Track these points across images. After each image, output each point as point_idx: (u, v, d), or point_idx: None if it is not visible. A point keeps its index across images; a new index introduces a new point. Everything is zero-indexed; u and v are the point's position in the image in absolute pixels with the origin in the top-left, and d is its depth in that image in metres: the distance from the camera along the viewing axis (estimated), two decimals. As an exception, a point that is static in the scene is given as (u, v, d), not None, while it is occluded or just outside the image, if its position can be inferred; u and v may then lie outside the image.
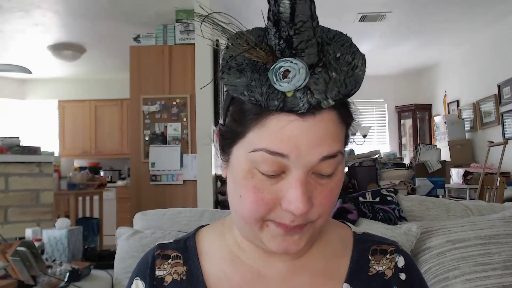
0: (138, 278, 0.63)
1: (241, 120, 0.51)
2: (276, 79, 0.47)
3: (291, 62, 0.47)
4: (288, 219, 0.51)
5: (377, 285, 0.59)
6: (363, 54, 0.52)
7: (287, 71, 0.47)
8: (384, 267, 0.61)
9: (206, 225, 0.68)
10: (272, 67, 0.48)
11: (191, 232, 0.67)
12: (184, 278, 0.61)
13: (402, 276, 0.61)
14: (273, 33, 0.48)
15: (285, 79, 0.47)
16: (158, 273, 0.62)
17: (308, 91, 0.48)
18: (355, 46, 0.53)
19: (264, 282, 0.58)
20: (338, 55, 0.51)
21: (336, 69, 0.49)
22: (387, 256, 0.62)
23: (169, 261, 0.62)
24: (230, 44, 0.51)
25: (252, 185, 0.51)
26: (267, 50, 0.49)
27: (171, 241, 0.66)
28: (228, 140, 0.54)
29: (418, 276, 0.63)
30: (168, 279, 0.61)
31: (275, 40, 0.49)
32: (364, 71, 0.50)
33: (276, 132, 0.48)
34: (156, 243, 0.66)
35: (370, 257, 0.61)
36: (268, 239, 0.53)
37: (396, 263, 0.61)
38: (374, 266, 0.61)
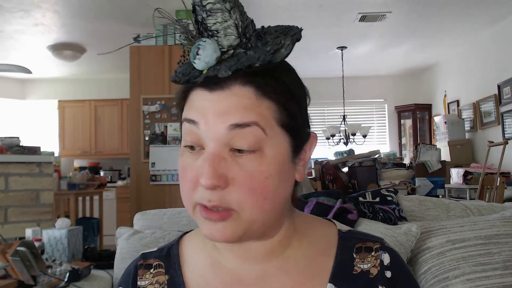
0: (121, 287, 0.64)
1: (179, 100, 0.57)
2: (193, 58, 0.51)
3: (202, 41, 0.51)
4: (204, 197, 0.51)
5: (362, 284, 0.57)
6: (298, 35, 0.53)
7: (199, 49, 0.50)
8: (369, 265, 0.59)
9: (192, 230, 0.68)
10: (192, 48, 0.52)
11: (176, 238, 0.67)
12: (165, 287, 0.60)
13: (388, 274, 0.58)
14: (193, 19, 0.52)
15: (197, 56, 0.50)
16: (140, 283, 0.61)
17: (217, 67, 0.50)
18: (298, 33, 0.53)
19: (243, 285, 0.57)
20: (269, 39, 0.52)
21: (259, 49, 0.51)
22: (372, 253, 0.59)
23: (151, 270, 0.62)
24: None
25: (182, 165, 0.54)
26: (195, 37, 0.53)
27: (155, 249, 0.65)
28: (180, 126, 0.58)
29: (405, 274, 0.61)
30: None
31: (195, 25, 0.52)
32: (290, 49, 0.51)
33: (192, 104, 0.53)
34: (140, 252, 0.66)
35: (354, 255, 0.59)
36: (200, 224, 0.54)
37: (381, 261, 0.59)
38: (358, 265, 0.59)
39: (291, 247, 0.59)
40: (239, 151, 0.50)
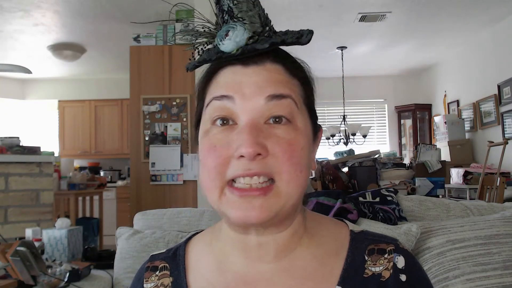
0: None
1: (200, 89, 0.58)
2: (220, 41, 0.53)
3: (231, 25, 0.54)
4: (243, 168, 0.50)
5: (373, 287, 0.55)
6: (312, 30, 0.57)
7: (228, 31, 0.53)
8: (381, 268, 0.56)
9: (202, 230, 0.67)
10: (218, 33, 0.54)
11: (184, 239, 0.67)
12: None
13: (403, 277, 0.56)
14: (217, 9, 0.56)
15: (226, 38, 0.53)
16: (146, 286, 0.62)
17: (248, 47, 0.53)
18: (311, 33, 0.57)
19: (248, 287, 0.56)
20: (286, 32, 0.57)
21: (283, 35, 0.55)
22: (385, 256, 0.57)
23: (157, 273, 0.62)
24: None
25: (208, 143, 0.53)
26: (216, 28, 0.56)
27: (164, 250, 0.66)
28: (196, 122, 0.59)
29: (421, 277, 0.58)
30: None
31: (219, 14, 0.56)
32: (310, 37, 0.55)
33: (223, 82, 0.54)
34: (150, 254, 0.66)
35: (366, 257, 0.57)
36: (228, 209, 0.52)
37: (395, 264, 0.56)
38: (370, 267, 0.56)
39: (300, 246, 0.58)
40: (276, 121, 0.52)
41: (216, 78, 0.55)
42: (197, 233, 0.67)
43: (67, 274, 1.49)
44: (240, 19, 0.54)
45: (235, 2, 0.54)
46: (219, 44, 0.53)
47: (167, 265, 0.62)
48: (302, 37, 0.55)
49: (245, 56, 0.54)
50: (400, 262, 0.57)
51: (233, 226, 0.56)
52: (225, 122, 0.53)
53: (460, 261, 1.16)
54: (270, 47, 0.53)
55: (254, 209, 0.50)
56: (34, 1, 4.02)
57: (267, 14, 0.57)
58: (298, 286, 0.55)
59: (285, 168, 0.51)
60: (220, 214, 0.56)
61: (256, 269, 0.57)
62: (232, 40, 0.52)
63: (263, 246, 0.56)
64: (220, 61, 0.55)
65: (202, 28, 0.58)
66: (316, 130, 0.60)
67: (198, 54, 0.58)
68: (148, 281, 0.62)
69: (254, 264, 0.57)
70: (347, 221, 0.63)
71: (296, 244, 0.57)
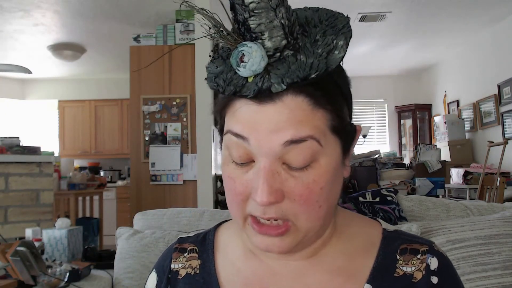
0: (154, 270, 0.65)
1: (218, 110, 0.53)
2: (237, 64, 0.47)
3: (247, 46, 0.46)
4: (259, 210, 0.49)
5: (403, 287, 0.54)
6: (349, 32, 0.49)
7: (243, 55, 0.46)
8: (413, 268, 0.54)
9: (229, 219, 0.67)
10: (233, 52, 0.47)
11: (213, 226, 0.67)
12: (197, 272, 0.60)
13: (434, 279, 0.54)
14: (232, 17, 0.47)
15: (241, 63, 0.46)
16: (173, 266, 0.62)
17: (267, 76, 0.46)
18: (347, 27, 0.50)
19: (276, 278, 0.56)
20: (318, 37, 0.48)
21: (309, 52, 0.47)
22: (418, 256, 0.55)
23: (185, 254, 0.63)
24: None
25: (227, 173, 0.51)
26: (234, 37, 0.48)
27: (192, 234, 0.66)
28: (219, 133, 0.56)
29: (453, 281, 0.56)
30: (182, 272, 0.61)
31: (235, 24, 0.48)
32: (345, 51, 0.47)
33: (237, 115, 0.49)
34: (178, 237, 0.67)
35: (398, 257, 0.55)
36: (251, 236, 0.52)
37: (428, 265, 0.54)
38: (401, 267, 0.55)
39: (329, 244, 0.57)
40: (293, 166, 0.48)
41: (233, 104, 0.50)
42: (226, 221, 0.67)
43: (67, 274, 1.49)
44: (259, 34, 0.46)
45: (251, 13, 0.45)
46: (237, 69, 0.47)
47: (196, 248, 0.63)
48: (334, 52, 0.47)
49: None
50: (433, 263, 0.55)
51: None
52: (242, 163, 0.50)
53: (460, 261, 1.16)
54: (287, 86, 0.46)
55: (274, 245, 0.50)
56: (34, 1, 4.02)
57: (294, 14, 0.48)
58: (327, 281, 0.54)
59: (301, 210, 0.49)
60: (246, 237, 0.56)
61: (283, 262, 0.56)
62: (248, 69, 0.46)
63: (290, 252, 0.56)
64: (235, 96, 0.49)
65: (221, 46, 0.52)
66: (350, 143, 0.55)
67: (217, 51, 0.53)
68: (176, 261, 0.62)
69: (281, 257, 0.56)
70: (381, 220, 0.62)
71: (324, 245, 0.57)
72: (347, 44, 0.48)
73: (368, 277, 0.54)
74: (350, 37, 0.49)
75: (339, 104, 0.51)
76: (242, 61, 0.46)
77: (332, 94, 0.50)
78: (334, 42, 0.47)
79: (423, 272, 0.54)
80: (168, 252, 0.65)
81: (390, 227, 0.60)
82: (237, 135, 0.49)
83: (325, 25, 0.49)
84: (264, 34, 0.46)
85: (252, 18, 0.45)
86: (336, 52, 0.47)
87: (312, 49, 0.47)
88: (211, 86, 0.50)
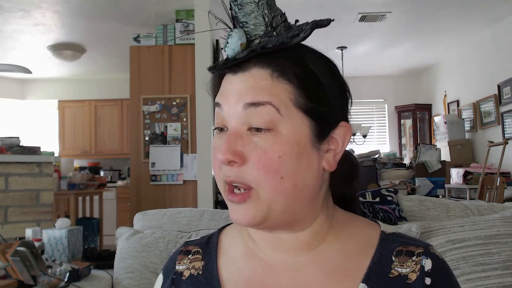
0: (162, 271, 0.68)
1: (212, 93, 0.61)
2: (225, 47, 0.56)
3: (231, 31, 0.55)
4: (224, 174, 0.54)
5: None
6: (320, 22, 0.55)
7: (228, 38, 0.55)
8: (408, 269, 0.56)
9: None
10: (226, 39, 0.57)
11: (219, 228, 0.69)
12: (200, 272, 0.63)
13: (427, 280, 0.55)
14: (230, 15, 0.57)
15: (227, 45, 0.55)
16: (178, 267, 0.65)
17: (243, 51, 0.55)
18: (323, 21, 0.56)
19: (274, 275, 0.58)
20: (295, 28, 0.56)
21: (282, 35, 0.55)
22: (413, 258, 0.56)
23: (189, 256, 0.65)
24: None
25: (212, 145, 0.58)
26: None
27: (198, 237, 0.69)
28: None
29: (448, 283, 0.56)
30: (186, 273, 0.64)
31: (231, 20, 0.57)
32: (307, 33, 0.54)
33: (221, 89, 0.58)
34: (185, 241, 0.70)
35: (393, 258, 0.57)
36: (228, 208, 0.57)
37: (422, 266, 0.56)
38: (396, 268, 0.56)
39: (326, 242, 0.58)
40: (256, 130, 0.53)
41: (222, 82, 0.58)
42: (230, 223, 0.70)
43: (67, 274, 1.49)
44: (244, 23, 0.55)
45: (239, 6, 0.55)
46: (224, 50, 0.56)
47: (200, 250, 0.65)
48: (300, 34, 0.54)
49: (232, 65, 0.55)
50: (428, 265, 0.56)
51: None
52: (221, 129, 0.57)
53: (460, 261, 1.16)
54: (247, 56, 0.54)
55: (240, 213, 0.54)
56: (34, 1, 4.02)
57: (279, 11, 0.57)
58: (323, 278, 0.56)
59: (260, 177, 0.52)
60: None
61: (282, 258, 0.58)
62: (229, 48, 0.55)
63: (283, 241, 0.58)
64: (213, 70, 0.59)
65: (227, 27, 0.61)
66: (327, 128, 0.56)
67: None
68: (180, 263, 0.65)
69: (279, 254, 0.59)
70: (380, 222, 0.63)
71: (319, 242, 0.58)
72: (312, 28, 0.54)
73: (364, 277, 0.55)
74: (319, 26, 0.55)
75: (304, 80, 0.55)
76: (227, 43, 0.55)
77: (295, 69, 0.54)
78: (303, 27, 0.54)
79: (418, 273, 0.55)
80: (174, 255, 0.68)
81: (389, 229, 0.61)
82: (216, 104, 0.57)
83: (307, 23, 0.56)
84: (248, 23, 0.55)
85: (239, 11, 0.55)
86: (301, 34, 0.54)
87: (285, 33, 0.55)
88: (208, 69, 0.61)
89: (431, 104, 6.83)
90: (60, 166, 4.16)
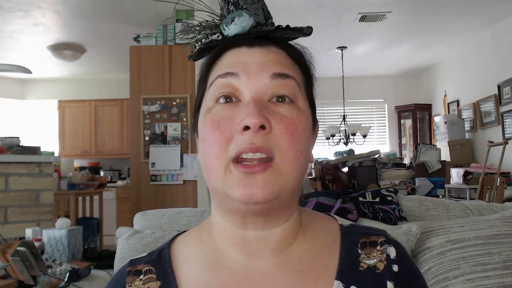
0: None
1: (204, 72, 0.59)
2: (226, 26, 0.56)
3: (239, 12, 0.56)
4: (246, 142, 0.49)
5: (370, 280, 0.55)
6: (311, 27, 0.59)
7: (234, 18, 0.55)
8: (375, 260, 0.57)
9: (184, 231, 0.64)
10: (224, 20, 0.57)
11: (167, 241, 0.62)
12: None
13: (395, 267, 0.57)
14: (222, 1, 0.59)
15: (232, 23, 0.55)
16: None
17: (254, 29, 0.56)
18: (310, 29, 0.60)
19: (246, 284, 0.54)
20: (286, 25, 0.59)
21: (281, 27, 0.57)
22: (377, 248, 0.58)
23: (141, 277, 0.58)
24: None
25: (211, 120, 0.53)
26: (221, 19, 0.59)
27: (144, 254, 0.61)
28: (196, 110, 0.60)
29: (411, 266, 0.59)
30: None
31: (225, 6, 0.58)
32: (311, 31, 0.58)
33: (229, 62, 0.56)
34: (129, 259, 0.62)
35: (359, 251, 0.58)
36: (232, 187, 0.50)
37: (387, 255, 0.57)
38: (364, 260, 0.57)
39: (296, 241, 0.57)
40: (279, 100, 0.53)
41: (221, 60, 0.57)
42: (180, 234, 0.64)
43: (67, 274, 1.49)
44: (246, 10, 0.56)
45: None
46: (224, 29, 0.56)
47: (152, 268, 0.58)
48: (303, 29, 0.58)
49: (251, 37, 0.56)
50: (392, 252, 0.58)
51: (232, 213, 0.55)
52: (228, 100, 0.53)
53: (460, 261, 1.16)
54: (276, 30, 0.56)
55: (258, 186, 0.49)
56: (34, 1, 4.02)
57: (269, 11, 0.60)
58: (296, 281, 0.54)
59: (286, 146, 0.51)
60: (219, 196, 0.54)
61: (253, 264, 0.55)
62: (238, 25, 0.55)
63: (261, 241, 0.55)
64: (226, 42, 0.57)
65: (206, 21, 0.60)
66: (315, 121, 0.60)
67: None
68: (131, 285, 0.57)
69: (251, 259, 0.56)
70: (335, 216, 0.64)
71: (292, 239, 0.57)
72: (311, 29, 0.58)
73: (336, 274, 0.55)
74: (311, 31, 0.59)
75: (308, 70, 0.60)
76: (233, 21, 0.55)
77: (304, 59, 0.60)
78: (301, 26, 0.58)
79: (385, 262, 0.57)
80: (120, 277, 0.59)
81: (345, 222, 0.62)
82: (226, 74, 0.54)
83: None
84: (250, 11, 0.56)
85: (243, 1, 0.57)
86: (305, 29, 0.58)
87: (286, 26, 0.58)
88: (195, 54, 0.60)
89: (431, 104, 6.83)
90: (60, 166, 4.16)
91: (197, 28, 0.60)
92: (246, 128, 0.50)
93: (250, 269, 0.55)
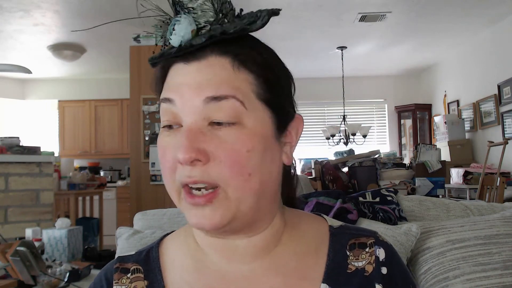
0: None
1: (156, 89, 0.55)
2: (170, 35, 0.51)
3: (177, 17, 0.51)
4: (184, 175, 0.48)
5: (358, 282, 0.54)
6: (275, 11, 0.52)
7: (174, 25, 0.50)
8: (363, 262, 0.55)
9: (173, 231, 0.63)
10: (169, 27, 0.51)
11: (155, 241, 0.62)
12: None
13: (383, 270, 0.55)
14: (171, 1, 0.53)
15: (173, 32, 0.50)
16: None
17: (187, 42, 0.50)
18: (277, 10, 0.53)
19: (229, 287, 0.53)
20: (246, 16, 0.52)
21: (234, 23, 0.51)
22: (366, 249, 0.56)
23: (128, 275, 0.57)
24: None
25: (160, 145, 0.52)
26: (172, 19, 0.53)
27: (133, 252, 0.60)
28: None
29: (400, 269, 0.57)
30: None
31: (172, 6, 0.53)
32: (265, 20, 0.50)
33: (168, 82, 0.52)
34: (117, 256, 0.61)
35: (348, 253, 0.56)
36: (186, 214, 0.50)
37: (377, 257, 0.55)
38: (353, 263, 0.55)
39: (281, 243, 0.55)
40: (218, 124, 0.48)
41: (168, 75, 0.53)
42: (169, 233, 0.63)
43: (67, 274, 1.49)
44: (191, 9, 0.51)
45: None
46: (169, 39, 0.51)
47: (140, 267, 0.58)
48: (257, 21, 0.50)
49: (185, 53, 0.50)
50: (381, 254, 0.56)
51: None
52: (170, 127, 0.51)
53: (460, 261, 1.16)
54: (207, 42, 0.49)
55: (205, 217, 0.48)
56: (34, 1, 4.02)
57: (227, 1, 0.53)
58: (281, 284, 0.53)
59: (228, 175, 0.47)
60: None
61: (236, 268, 0.54)
62: (177, 35, 0.50)
63: (239, 249, 0.54)
64: (166, 59, 0.52)
65: (163, 21, 0.55)
66: (285, 121, 0.54)
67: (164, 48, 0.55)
68: (118, 283, 0.56)
69: (233, 264, 0.54)
70: (325, 216, 0.62)
71: (277, 242, 0.55)
72: (269, 16, 0.50)
73: (323, 276, 0.54)
74: (274, 14, 0.51)
75: (264, 70, 0.52)
76: (174, 30, 0.50)
77: (255, 58, 0.51)
78: (259, 15, 0.50)
79: (373, 265, 0.55)
80: (107, 273, 0.58)
81: (335, 223, 0.60)
82: (165, 100, 0.51)
83: (256, 12, 0.52)
84: (195, 9, 0.51)
85: None
86: (259, 21, 0.50)
87: (239, 21, 0.51)
88: (148, 61, 0.54)
89: (431, 104, 6.83)
90: (60, 166, 4.16)
91: (156, 26, 0.56)
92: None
93: (233, 272, 0.54)
